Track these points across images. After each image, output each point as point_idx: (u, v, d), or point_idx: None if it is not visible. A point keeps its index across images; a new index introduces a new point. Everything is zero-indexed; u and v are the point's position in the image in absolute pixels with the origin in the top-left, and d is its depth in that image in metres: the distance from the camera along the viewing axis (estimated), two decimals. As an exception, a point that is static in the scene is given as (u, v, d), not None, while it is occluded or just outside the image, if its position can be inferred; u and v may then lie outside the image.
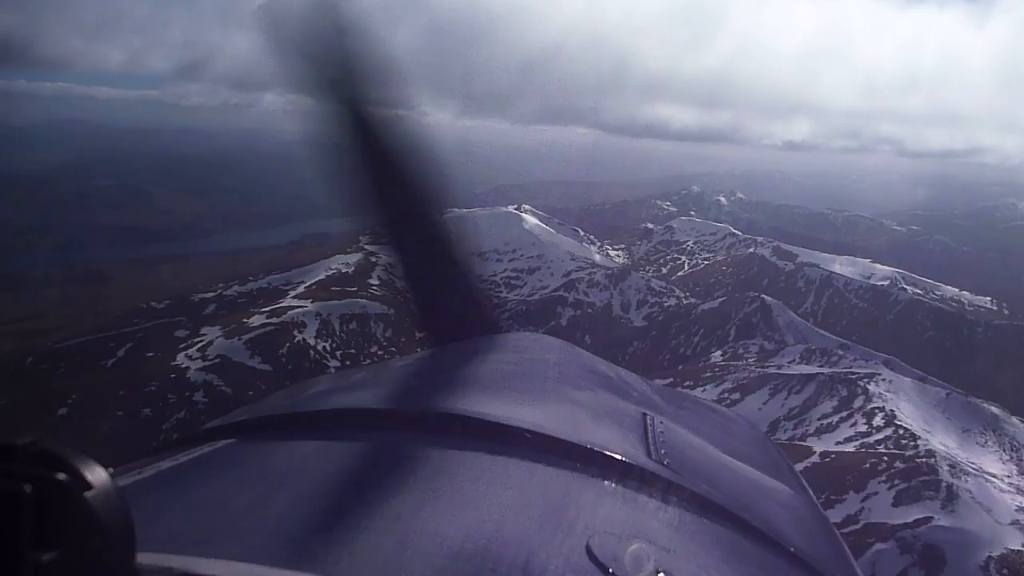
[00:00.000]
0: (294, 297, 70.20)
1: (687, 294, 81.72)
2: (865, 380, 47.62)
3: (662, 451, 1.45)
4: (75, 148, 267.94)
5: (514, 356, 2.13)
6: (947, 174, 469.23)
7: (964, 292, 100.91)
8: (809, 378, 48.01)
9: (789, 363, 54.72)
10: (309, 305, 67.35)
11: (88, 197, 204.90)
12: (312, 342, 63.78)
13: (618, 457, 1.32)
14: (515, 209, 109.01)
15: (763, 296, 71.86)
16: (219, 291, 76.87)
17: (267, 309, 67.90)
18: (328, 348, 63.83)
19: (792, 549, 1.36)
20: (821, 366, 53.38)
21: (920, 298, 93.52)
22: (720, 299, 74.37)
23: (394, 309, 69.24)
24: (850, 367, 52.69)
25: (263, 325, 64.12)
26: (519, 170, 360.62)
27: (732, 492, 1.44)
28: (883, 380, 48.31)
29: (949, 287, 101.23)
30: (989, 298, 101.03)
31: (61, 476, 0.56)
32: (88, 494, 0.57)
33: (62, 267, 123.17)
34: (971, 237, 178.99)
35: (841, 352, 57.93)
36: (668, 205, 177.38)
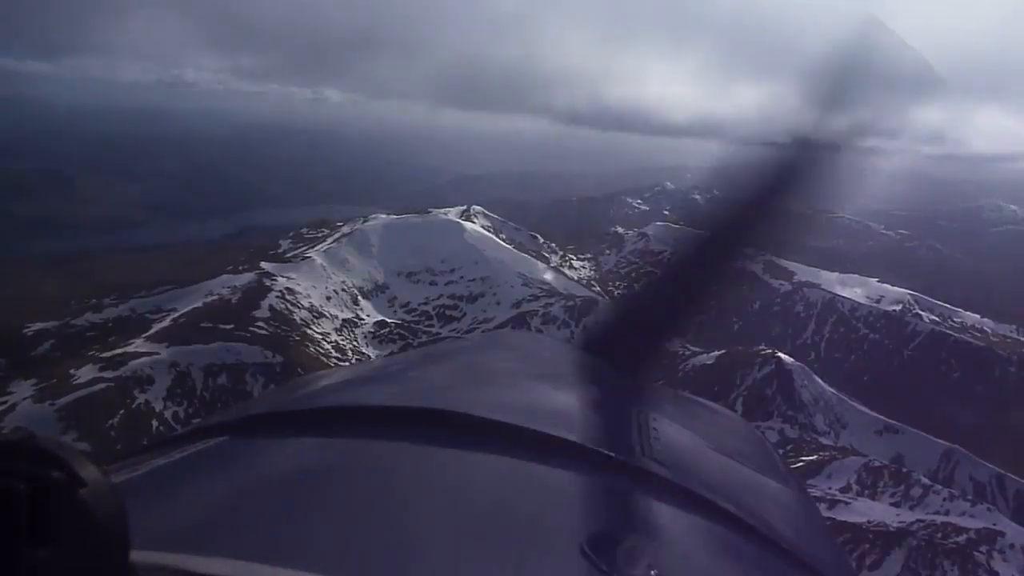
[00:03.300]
0: (147, 338, 52.29)
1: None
2: (980, 546, 31.44)
3: (656, 448, 1.46)
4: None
5: (506, 353, 2.14)
6: (915, 169, 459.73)
7: (986, 319, 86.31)
8: (889, 539, 31.62)
9: (840, 490, 38.23)
10: (164, 351, 49.66)
11: (1, 182, 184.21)
12: (159, 406, 46.30)
13: (612, 455, 1.33)
14: (464, 212, 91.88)
15: (780, 355, 54.92)
16: (65, 320, 58.93)
17: (108, 354, 50.15)
18: (181, 414, 46.31)
19: (786, 546, 1.36)
20: (893, 495, 36.90)
21: (939, 328, 78.48)
22: (718, 352, 57.41)
23: (282, 356, 51.91)
24: (944, 508, 36.51)
25: (92, 381, 46.46)
26: (483, 159, 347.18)
27: (726, 490, 1.45)
28: (1008, 547, 32.03)
29: (969, 313, 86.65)
30: (1013, 326, 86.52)
31: (55, 474, 0.56)
32: (82, 492, 0.57)
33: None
34: (961, 243, 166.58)
35: (897, 447, 41.89)
36: (639, 203, 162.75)
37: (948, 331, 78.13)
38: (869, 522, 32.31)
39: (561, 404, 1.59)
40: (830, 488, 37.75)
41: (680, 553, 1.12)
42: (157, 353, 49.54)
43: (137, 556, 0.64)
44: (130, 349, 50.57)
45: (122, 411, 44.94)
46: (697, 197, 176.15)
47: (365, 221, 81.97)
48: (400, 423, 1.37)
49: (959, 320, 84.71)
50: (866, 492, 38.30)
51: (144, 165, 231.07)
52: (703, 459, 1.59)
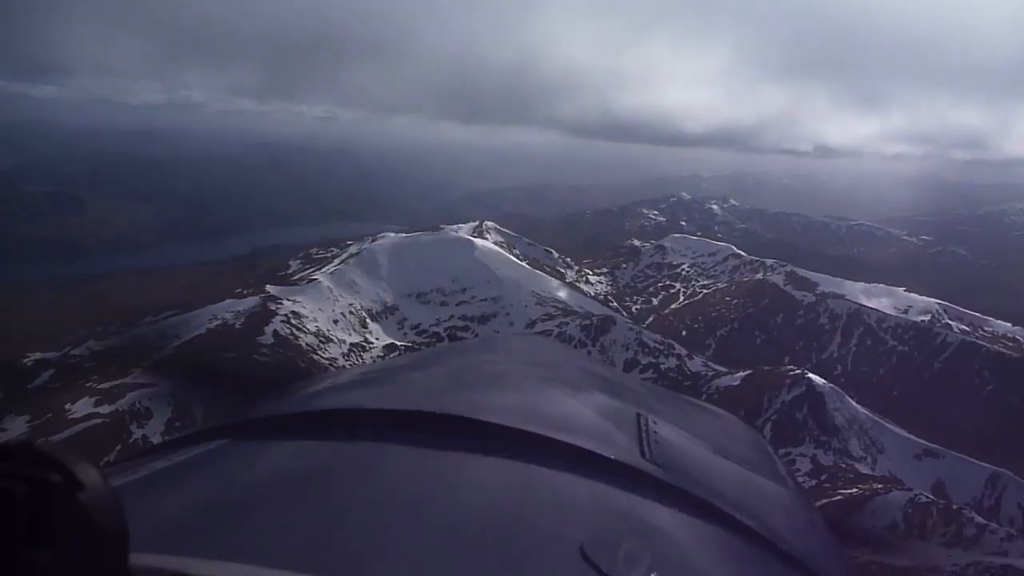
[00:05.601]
0: (147, 367, 50.26)
1: (690, 352, 61.69)
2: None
3: (656, 451, 1.47)
4: (7, 151, 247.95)
5: (507, 356, 2.18)
6: (938, 175, 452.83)
7: (1017, 328, 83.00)
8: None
9: (886, 530, 35.58)
10: (163, 382, 47.58)
11: (12, 205, 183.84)
12: (157, 441, 44.07)
13: (612, 457, 1.34)
14: (475, 228, 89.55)
15: (810, 376, 51.98)
16: (65, 349, 57.23)
17: (106, 385, 48.23)
18: (181, 449, 44.15)
19: (785, 548, 1.37)
20: (944, 535, 33.88)
21: (970, 338, 75.27)
22: (743, 373, 54.62)
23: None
24: (1002, 548, 33.51)
25: (87, 416, 44.52)
26: (495, 174, 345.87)
27: (726, 492, 1.45)
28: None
29: (1000, 322, 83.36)
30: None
31: (54, 476, 0.57)
32: (81, 494, 0.57)
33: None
34: (986, 248, 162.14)
35: (938, 473, 38.81)
36: (656, 214, 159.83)
37: (980, 341, 74.92)
38: (921, 566, 29.71)
39: (561, 406, 1.60)
40: (875, 527, 35.05)
41: (680, 556, 1.12)
42: (155, 384, 47.47)
43: (136, 559, 0.64)
44: (128, 380, 48.58)
45: (118, 447, 42.87)
46: (714, 207, 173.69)
47: (373, 240, 79.74)
48: (399, 426, 1.36)
49: (990, 329, 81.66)
50: (915, 531, 35.51)
51: (155, 186, 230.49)
52: (703, 461, 1.59)
